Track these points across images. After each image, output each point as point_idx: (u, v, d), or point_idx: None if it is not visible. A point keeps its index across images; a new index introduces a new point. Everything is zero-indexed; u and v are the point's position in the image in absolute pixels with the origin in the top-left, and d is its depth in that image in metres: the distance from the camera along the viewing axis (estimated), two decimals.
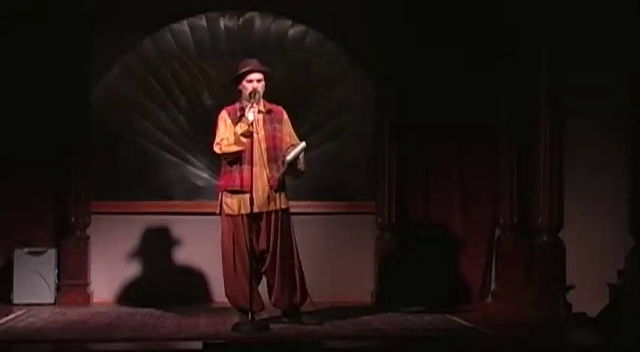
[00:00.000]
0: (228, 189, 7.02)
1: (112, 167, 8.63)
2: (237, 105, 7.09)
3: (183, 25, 8.72)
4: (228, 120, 7.04)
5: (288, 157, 6.93)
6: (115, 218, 8.57)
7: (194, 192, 8.72)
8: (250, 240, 6.91)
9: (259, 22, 8.77)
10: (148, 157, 8.71)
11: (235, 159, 6.98)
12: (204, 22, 8.74)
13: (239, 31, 8.75)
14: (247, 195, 6.83)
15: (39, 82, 8.40)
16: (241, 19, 8.76)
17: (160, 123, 8.74)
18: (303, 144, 7.00)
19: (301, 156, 6.99)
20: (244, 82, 7.04)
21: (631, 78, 7.43)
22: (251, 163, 6.89)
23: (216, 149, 7.04)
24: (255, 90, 6.97)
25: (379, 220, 8.66)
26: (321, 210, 8.65)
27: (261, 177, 6.96)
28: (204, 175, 8.70)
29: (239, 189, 6.96)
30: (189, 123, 8.74)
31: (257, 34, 8.77)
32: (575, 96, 7.91)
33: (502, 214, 8.53)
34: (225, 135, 6.99)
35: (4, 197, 8.36)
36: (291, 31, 8.78)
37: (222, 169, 7.12)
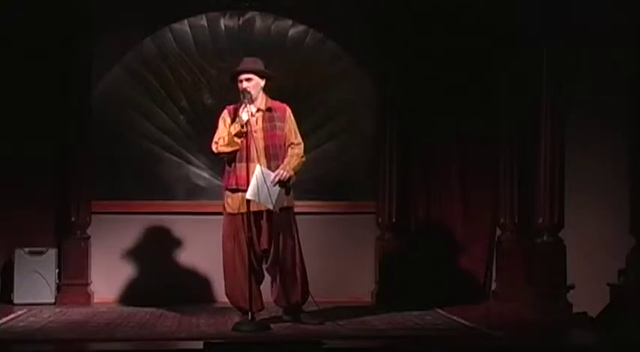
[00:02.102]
0: (228, 187, 7.03)
1: (112, 167, 8.63)
2: (239, 104, 7.11)
3: (184, 25, 8.72)
4: (228, 120, 7.05)
5: (248, 196, 6.79)
6: (115, 218, 8.57)
7: (195, 191, 8.72)
8: (250, 238, 6.91)
9: (260, 22, 8.77)
10: (148, 157, 8.70)
11: (234, 158, 6.99)
12: (204, 22, 8.74)
13: (239, 30, 8.76)
14: (245, 195, 6.85)
15: (39, 82, 8.40)
16: (242, 19, 8.76)
17: (160, 123, 8.74)
18: (257, 168, 6.86)
19: (265, 176, 6.84)
20: (238, 82, 7.07)
21: (631, 78, 7.45)
22: (248, 161, 6.89)
23: (213, 148, 7.08)
24: (245, 91, 6.98)
25: (380, 220, 8.66)
26: (321, 210, 8.65)
27: None
28: (205, 175, 8.71)
29: (237, 187, 6.96)
30: (190, 123, 8.75)
31: (257, 33, 8.77)
32: (575, 97, 7.91)
33: (503, 214, 8.55)
34: (223, 135, 7.01)
35: (5, 197, 8.35)
36: (292, 31, 8.78)
37: (225, 168, 7.14)
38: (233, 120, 6.98)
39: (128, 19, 8.54)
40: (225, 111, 7.13)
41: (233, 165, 7.00)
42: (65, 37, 8.40)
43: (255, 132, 6.96)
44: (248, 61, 7.12)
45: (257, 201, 6.82)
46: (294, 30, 8.79)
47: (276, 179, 6.90)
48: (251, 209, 6.87)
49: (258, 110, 7.05)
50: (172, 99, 8.75)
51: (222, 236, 7.10)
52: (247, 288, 6.83)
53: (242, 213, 6.95)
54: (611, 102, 7.86)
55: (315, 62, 8.81)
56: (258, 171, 6.84)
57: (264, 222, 7.02)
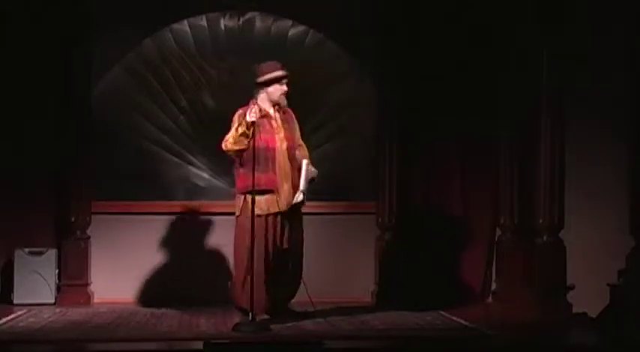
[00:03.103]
0: (257, 189, 6.99)
1: (112, 167, 8.63)
2: (252, 104, 7.13)
3: (184, 25, 8.73)
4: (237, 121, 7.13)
5: (302, 187, 7.12)
6: (115, 218, 8.57)
7: (195, 192, 8.72)
8: (274, 238, 7.04)
9: (260, 22, 8.78)
10: (148, 157, 8.70)
11: (258, 159, 7.00)
12: (204, 22, 8.74)
13: (239, 31, 8.76)
14: (274, 195, 7.01)
15: (39, 82, 8.40)
16: (242, 19, 8.77)
17: (160, 123, 8.73)
18: (304, 163, 7.17)
19: (311, 172, 7.19)
20: (274, 86, 7.17)
21: (631, 78, 7.45)
22: (276, 162, 7.05)
23: (223, 146, 7.14)
24: (285, 94, 7.22)
25: (380, 220, 8.66)
26: (321, 210, 8.62)
27: (285, 176, 7.10)
28: (205, 175, 8.70)
29: (268, 188, 7.03)
30: (190, 123, 8.74)
31: (257, 34, 8.77)
32: (576, 97, 7.92)
33: (503, 214, 8.54)
34: (233, 134, 7.07)
35: (5, 197, 8.35)
36: (292, 32, 8.79)
37: (240, 171, 7.15)
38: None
39: (128, 19, 8.54)
40: (241, 111, 7.14)
41: (258, 166, 6.99)
42: (65, 37, 8.40)
43: (278, 133, 7.15)
44: (280, 65, 7.23)
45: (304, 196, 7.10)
46: (294, 30, 8.79)
47: (310, 176, 7.19)
48: (279, 209, 7.05)
49: (277, 110, 7.20)
50: (172, 99, 8.75)
51: (238, 238, 7.12)
52: (259, 290, 6.89)
53: (271, 214, 7.03)
54: (611, 102, 7.87)
55: (315, 62, 8.81)
56: (306, 164, 7.15)
57: (286, 221, 7.15)
